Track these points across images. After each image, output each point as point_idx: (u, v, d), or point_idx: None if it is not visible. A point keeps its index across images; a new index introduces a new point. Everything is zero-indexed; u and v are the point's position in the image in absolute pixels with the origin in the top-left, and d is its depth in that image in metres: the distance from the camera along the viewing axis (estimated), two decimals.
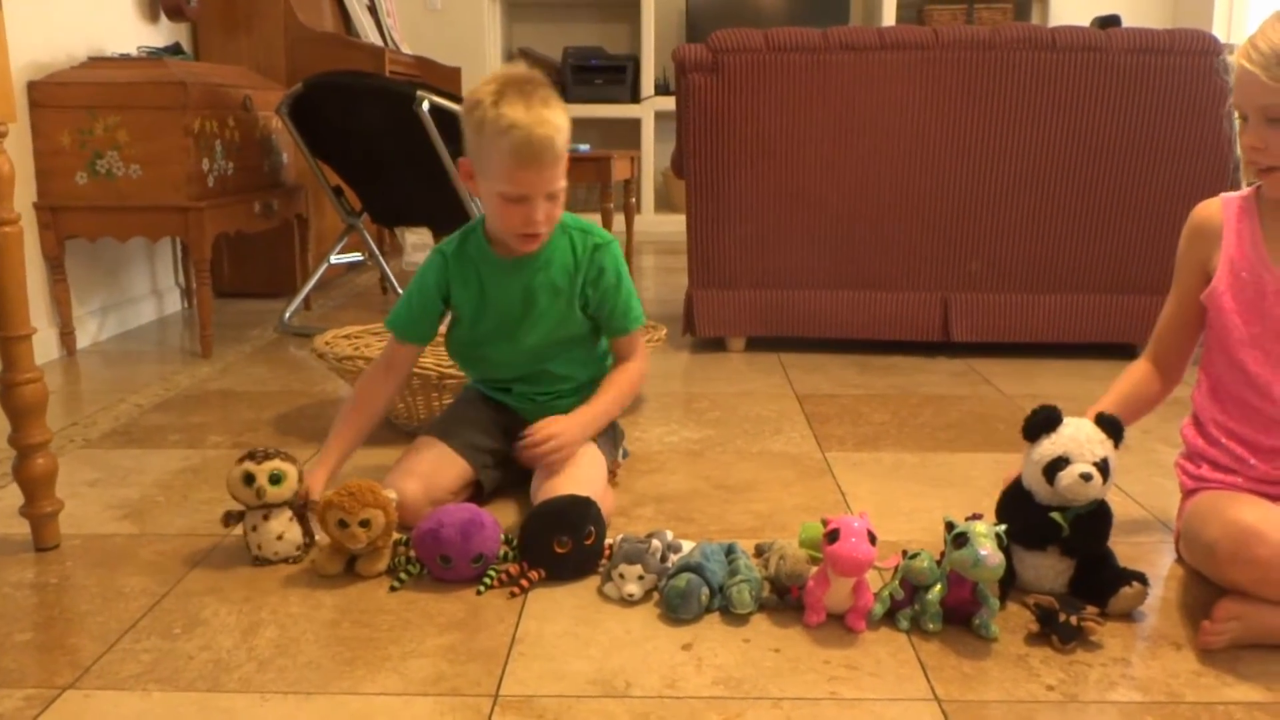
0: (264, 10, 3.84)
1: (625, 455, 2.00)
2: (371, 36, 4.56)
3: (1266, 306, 1.46)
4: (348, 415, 1.77)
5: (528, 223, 1.67)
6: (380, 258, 3.69)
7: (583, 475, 1.72)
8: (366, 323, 2.52)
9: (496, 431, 1.84)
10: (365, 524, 1.50)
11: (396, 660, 1.31)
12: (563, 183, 1.68)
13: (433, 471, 1.75)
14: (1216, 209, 1.53)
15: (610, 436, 1.89)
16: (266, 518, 1.57)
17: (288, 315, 3.29)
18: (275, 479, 1.55)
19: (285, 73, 3.79)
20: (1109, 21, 4.14)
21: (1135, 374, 1.65)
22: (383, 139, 3.19)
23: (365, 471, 1.86)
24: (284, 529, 1.57)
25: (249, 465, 1.55)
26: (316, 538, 1.60)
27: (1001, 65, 2.78)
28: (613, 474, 1.89)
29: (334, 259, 3.49)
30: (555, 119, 1.63)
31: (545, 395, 1.87)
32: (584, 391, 1.85)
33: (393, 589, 1.50)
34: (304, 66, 3.66)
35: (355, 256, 3.73)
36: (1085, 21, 4.02)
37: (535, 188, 1.65)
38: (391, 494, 1.55)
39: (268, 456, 1.57)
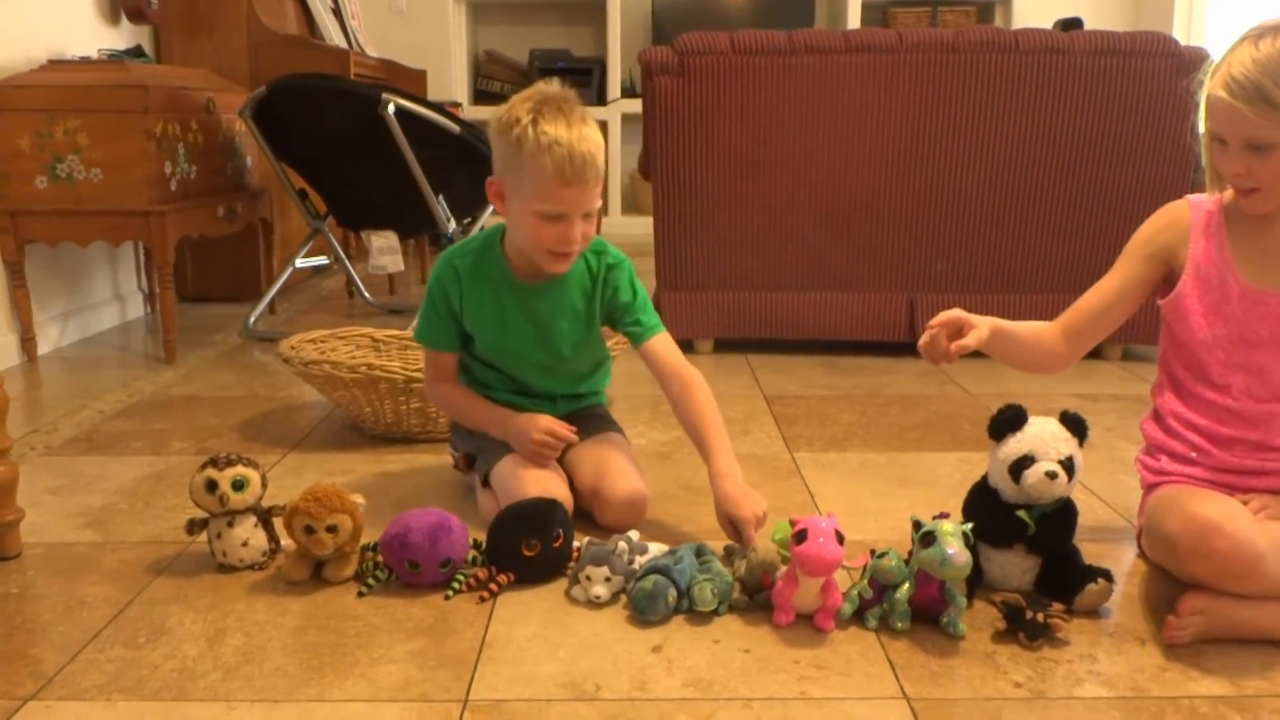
0: (226, 12, 3.81)
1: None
2: (336, 39, 4.53)
3: (1231, 310, 1.48)
4: (468, 395, 1.83)
5: (564, 241, 1.65)
6: (346, 261, 3.67)
7: (632, 465, 1.78)
8: (332, 326, 2.50)
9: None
10: (332, 529, 1.49)
11: (365, 666, 1.30)
12: (599, 202, 1.68)
13: (550, 485, 1.70)
14: (1186, 210, 1.54)
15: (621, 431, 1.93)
16: (231, 524, 1.55)
17: (252, 320, 3.27)
18: (238, 485, 1.54)
19: (248, 75, 3.76)
20: (1071, 24, 4.19)
21: (1042, 328, 1.64)
22: (348, 142, 3.17)
23: (333, 479, 1.85)
24: (249, 535, 1.56)
25: (212, 472, 1.54)
26: (283, 544, 1.59)
27: (965, 67, 2.80)
28: None
29: (299, 263, 3.46)
30: (595, 136, 1.63)
31: (565, 396, 1.87)
32: (594, 375, 1.91)
33: (360, 595, 1.49)
34: (267, 69, 3.63)
35: (321, 260, 3.70)
36: (1048, 24, 4.06)
37: (575, 206, 1.63)
38: (359, 499, 1.54)
39: (230, 463, 1.55)
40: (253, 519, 1.57)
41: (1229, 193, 1.50)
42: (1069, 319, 1.63)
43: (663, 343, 1.80)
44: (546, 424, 1.73)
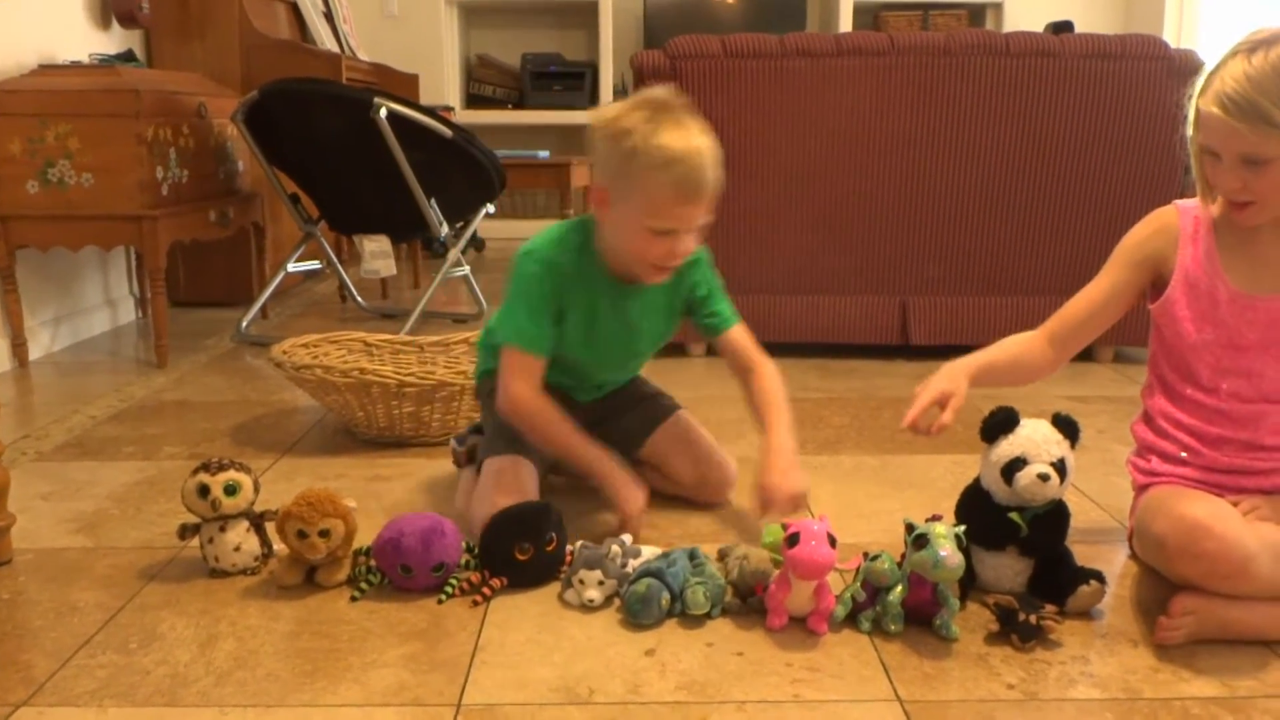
0: (218, 17, 3.80)
1: None
2: (328, 43, 4.53)
3: (1220, 316, 1.48)
4: (561, 418, 1.68)
5: (671, 257, 1.62)
6: (339, 266, 3.67)
7: (712, 442, 1.81)
8: (325, 331, 2.49)
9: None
10: (325, 534, 1.49)
11: (358, 671, 1.30)
12: (710, 216, 1.63)
13: (518, 484, 1.70)
14: (1175, 216, 1.54)
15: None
16: (223, 529, 1.55)
17: (244, 324, 3.26)
18: (230, 490, 1.53)
19: (240, 79, 3.76)
20: (1062, 27, 4.20)
21: (1021, 342, 1.66)
22: (340, 146, 3.17)
23: (326, 484, 1.85)
24: (241, 540, 1.56)
25: (203, 477, 1.53)
26: (275, 548, 1.59)
27: (957, 71, 2.81)
28: None
29: (291, 267, 3.46)
30: (712, 149, 1.58)
31: (609, 384, 1.87)
32: (622, 385, 1.90)
33: (353, 599, 1.49)
34: (259, 73, 3.63)
35: (313, 265, 3.69)
36: (1039, 27, 4.07)
37: (689, 223, 1.60)
38: (351, 503, 1.54)
39: (222, 468, 1.55)
40: (245, 524, 1.57)
41: (1218, 205, 1.50)
42: (1055, 326, 1.63)
43: (740, 333, 1.80)
44: (642, 506, 1.67)
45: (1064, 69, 2.81)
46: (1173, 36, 5.38)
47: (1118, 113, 2.83)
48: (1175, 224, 1.54)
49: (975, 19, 5.94)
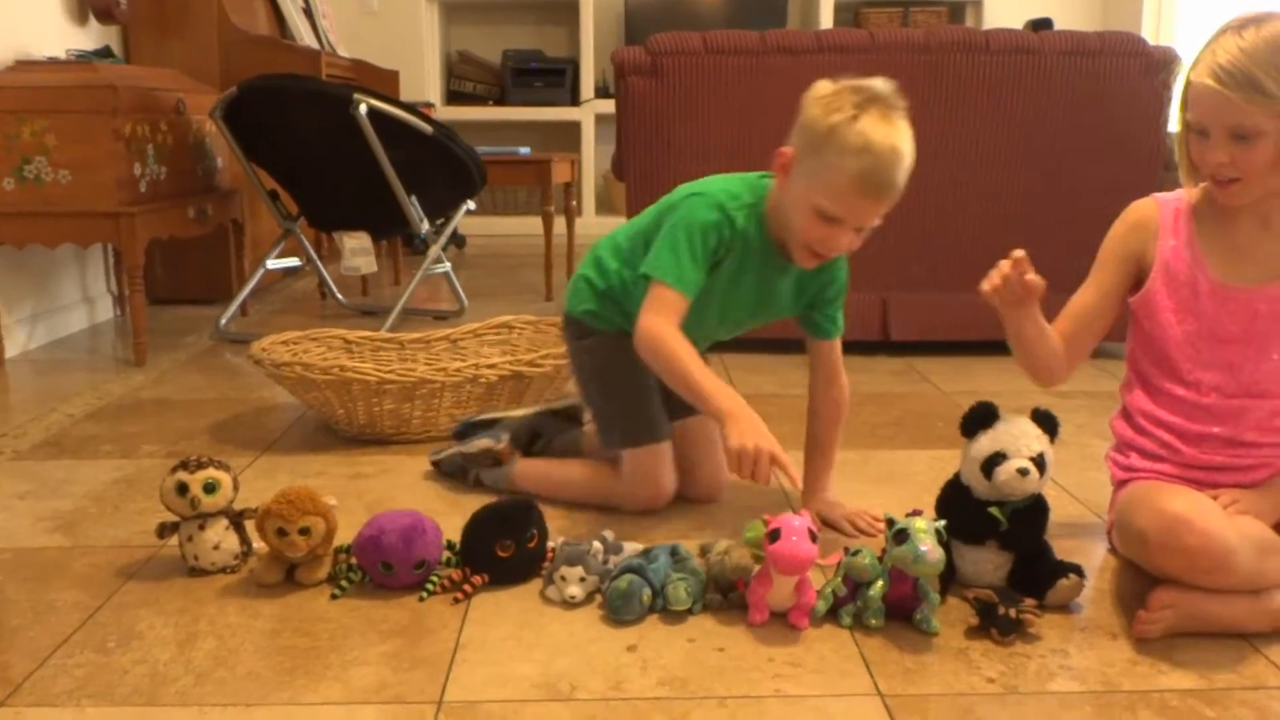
0: (196, 12, 3.78)
1: None
2: (307, 39, 4.51)
3: (1200, 306, 1.49)
4: (693, 353, 1.60)
5: (828, 245, 1.59)
6: (318, 262, 3.65)
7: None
8: (305, 328, 2.48)
9: (658, 394, 1.78)
10: (305, 532, 1.48)
11: (338, 669, 1.29)
12: (879, 220, 1.59)
13: (669, 468, 1.78)
14: (1154, 209, 1.55)
15: None
16: (202, 527, 1.54)
17: (224, 321, 3.24)
18: (210, 488, 1.52)
19: (219, 76, 3.73)
20: (1041, 24, 4.22)
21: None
22: (319, 143, 3.16)
23: (306, 482, 1.84)
24: (220, 538, 1.55)
25: (182, 475, 1.53)
26: (255, 546, 1.58)
27: (937, 68, 2.81)
28: None
29: (270, 264, 3.44)
30: (908, 152, 1.54)
31: (701, 349, 1.77)
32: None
33: (334, 597, 1.48)
34: (238, 69, 3.61)
35: (293, 261, 3.68)
36: (1018, 24, 4.09)
37: (858, 217, 1.56)
38: (332, 501, 1.54)
39: (201, 466, 1.54)
40: (224, 522, 1.56)
41: (1197, 191, 1.51)
42: (1060, 330, 1.62)
43: (839, 347, 1.81)
44: (772, 447, 1.50)
45: (1043, 66, 2.82)
46: (1151, 33, 5.41)
47: (1097, 109, 2.85)
48: (1154, 217, 1.55)
49: (955, 16, 5.96)
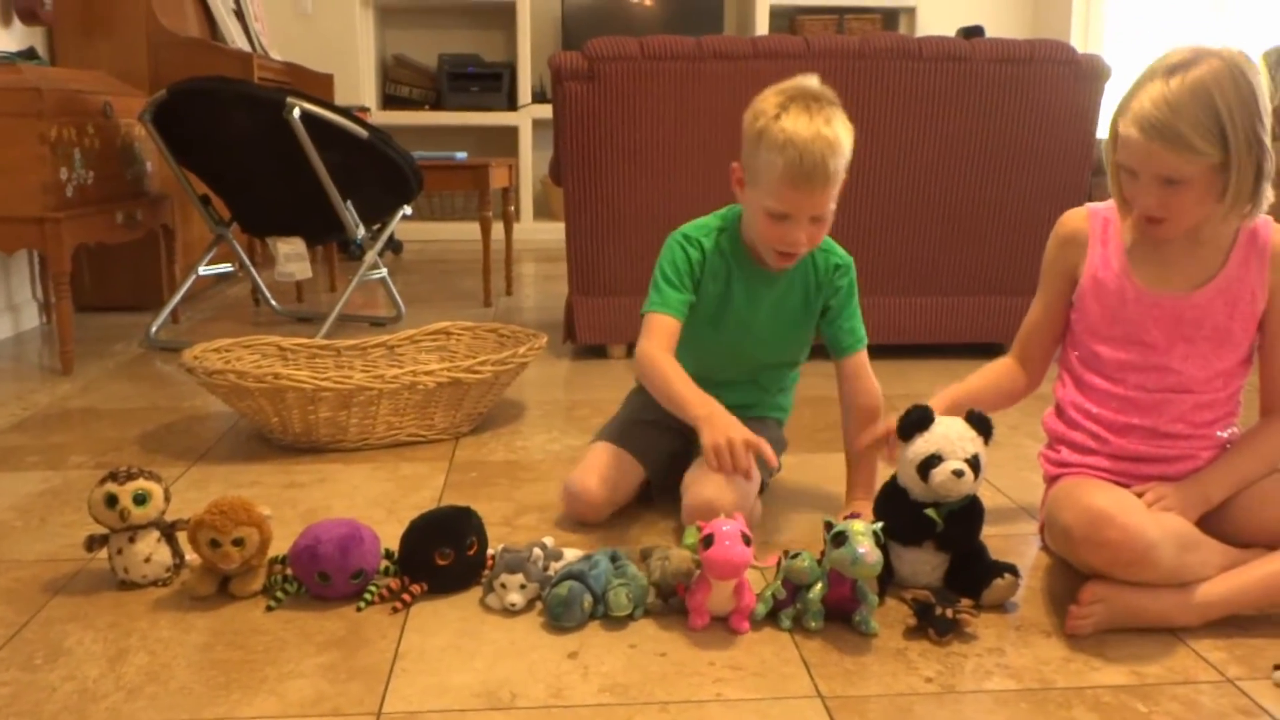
0: (124, 13, 3.71)
1: (772, 474, 1.93)
2: (239, 41, 4.44)
3: (1127, 313, 1.53)
4: (680, 370, 1.65)
5: (786, 242, 1.65)
6: (251, 269, 3.60)
7: (729, 480, 1.70)
8: (238, 335, 2.44)
9: (671, 433, 1.81)
10: (239, 543, 1.46)
11: (274, 682, 1.27)
12: (831, 206, 1.64)
13: (617, 476, 1.77)
14: (1084, 219, 1.60)
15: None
16: (132, 540, 1.51)
17: (154, 329, 3.18)
18: (140, 499, 1.49)
19: (148, 78, 3.67)
20: (973, 32, 4.29)
21: (997, 368, 1.71)
22: (252, 147, 3.11)
23: (240, 492, 1.81)
24: (151, 550, 1.52)
25: (111, 486, 1.49)
26: (187, 558, 1.55)
27: (871, 74, 2.84)
28: (763, 487, 1.84)
29: (202, 270, 3.38)
30: (835, 138, 1.58)
31: (727, 395, 1.76)
32: (751, 410, 1.83)
33: (269, 609, 1.46)
34: (167, 72, 3.55)
35: (225, 268, 3.62)
36: (951, 32, 4.14)
37: (800, 209, 1.61)
38: (266, 511, 1.51)
39: (131, 476, 1.51)
40: (155, 534, 1.53)
41: (1131, 223, 1.54)
42: (1019, 351, 1.70)
43: (864, 360, 1.81)
44: (745, 436, 1.55)
45: (974, 73, 2.87)
46: (1079, 41, 5.52)
47: (1027, 115, 2.90)
48: (1085, 229, 1.59)
49: (889, 23, 6.04)
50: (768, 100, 1.63)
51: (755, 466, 1.60)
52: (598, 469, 1.77)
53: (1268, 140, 1.40)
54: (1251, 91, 1.38)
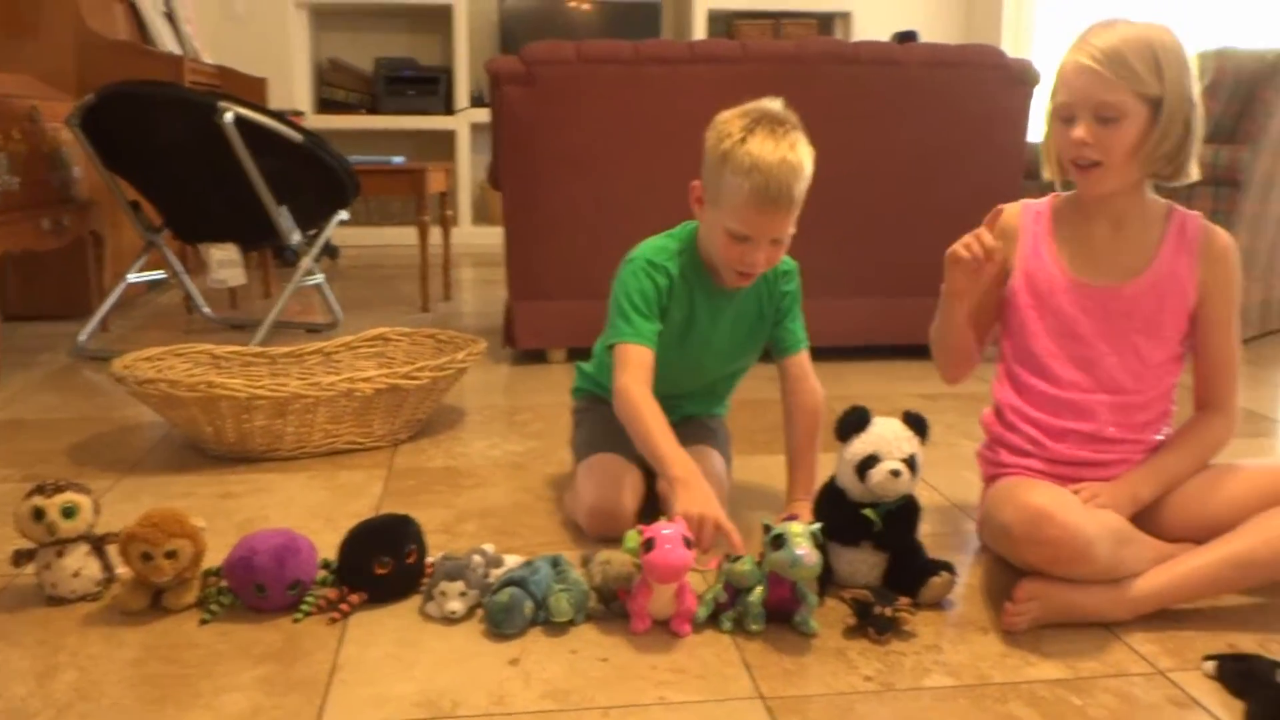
0: (51, 16, 3.63)
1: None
2: (169, 44, 4.37)
3: (1057, 304, 1.56)
4: (659, 416, 1.61)
5: (746, 263, 1.65)
6: (184, 275, 3.54)
7: (717, 477, 1.74)
8: (170, 344, 2.40)
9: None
10: (171, 555, 1.43)
11: (209, 696, 1.25)
12: (791, 229, 1.65)
13: (635, 481, 1.75)
14: (1016, 213, 1.63)
15: (727, 450, 1.91)
16: (60, 554, 1.47)
17: (83, 338, 3.12)
18: (68, 512, 1.46)
19: (75, 82, 3.59)
20: (907, 37, 4.34)
21: None
22: (183, 152, 3.06)
23: (172, 503, 1.77)
24: (80, 565, 1.48)
25: (38, 500, 1.46)
26: (118, 572, 1.52)
27: (807, 78, 2.87)
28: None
29: (133, 277, 3.32)
30: (799, 163, 1.60)
31: (676, 415, 1.78)
32: (700, 416, 1.89)
33: (203, 622, 1.43)
34: (95, 76, 3.47)
35: (157, 275, 3.56)
36: (886, 36, 4.19)
37: (763, 232, 1.62)
38: (200, 522, 1.48)
39: (59, 489, 1.47)
40: (85, 547, 1.49)
41: (1061, 197, 1.58)
42: None
43: (806, 359, 1.83)
44: (717, 517, 1.48)
45: (908, 77, 2.90)
46: (1010, 47, 5.62)
47: (960, 118, 2.94)
48: (1015, 221, 1.62)
49: (825, 28, 6.09)
50: (732, 123, 1.63)
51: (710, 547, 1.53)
52: (618, 481, 1.73)
53: (1198, 101, 1.46)
54: (1185, 56, 1.46)
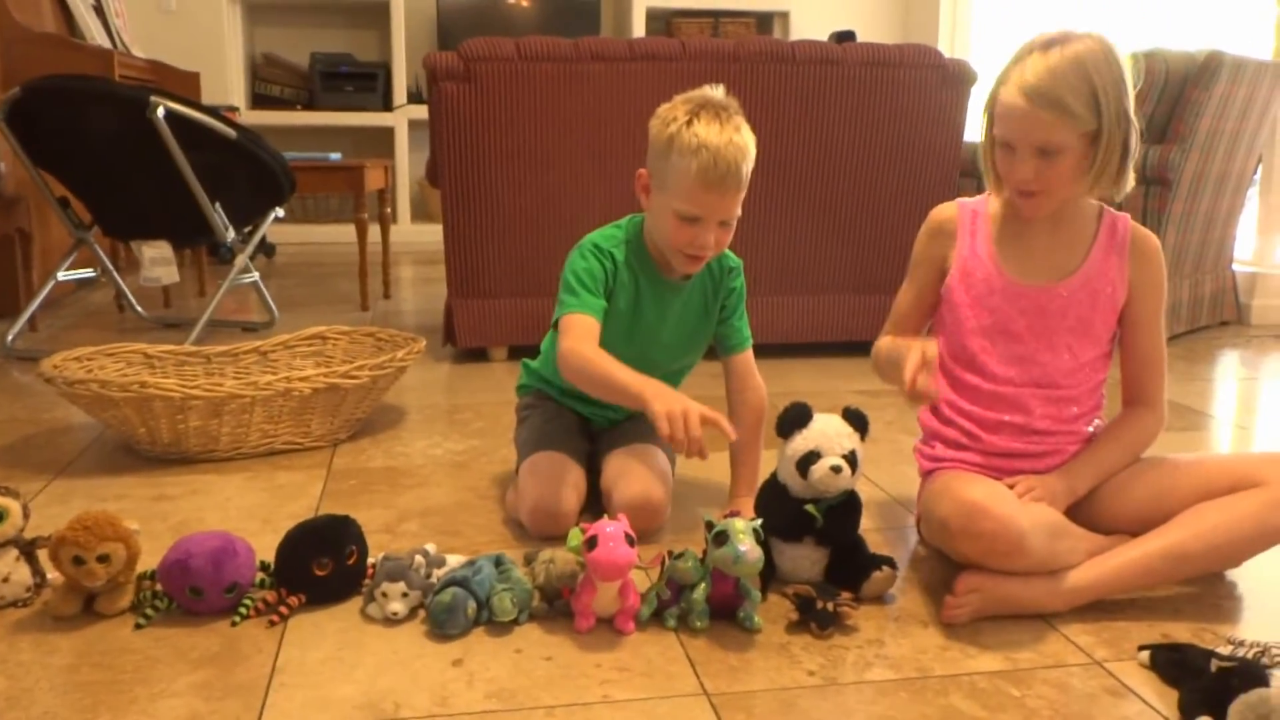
0: None
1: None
2: (98, 38, 4.28)
3: (994, 303, 1.59)
4: (608, 357, 1.62)
5: (696, 245, 1.66)
6: (115, 273, 3.47)
7: (660, 469, 1.75)
8: (101, 343, 2.35)
9: (584, 437, 1.87)
10: (104, 559, 1.40)
11: (144, 702, 1.23)
12: (738, 211, 1.67)
13: (576, 479, 1.74)
14: (954, 212, 1.65)
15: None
16: None
17: (11, 337, 3.04)
18: None
19: (0, 76, 3.50)
20: (845, 37, 4.37)
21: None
22: (114, 147, 3.00)
23: (105, 506, 1.74)
24: (9, 570, 1.45)
25: None
26: (49, 577, 1.48)
27: (746, 76, 2.88)
28: None
29: (62, 275, 3.24)
30: (745, 145, 1.63)
31: (621, 413, 1.88)
32: (675, 382, 1.83)
33: (138, 626, 1.40)
34: (21, 69, 3.39)
35: (87, 272, 3.48)
36: (824, 36, 4.22)
37: (713, 211, 1.63)
38: (133, 525, 1.45)
39: None
40: (14, 552, 1.46)
41: (1003, 201, 1.60)
42: (894, 332, 1.71)
43: (750, 358, 1.85)
44: (700, 408, 1.49)
45: (846, 76, 2.93)
46: (947, 47, 5.69)
47: (897, 118, 2.97)
48: (953, 220, 1.64)
49: (763, 27, 6.13)
50: (676, 109, 1.65)
51: (705, 444, 1.52)
52: (560, 479, 1.72)
53: (1134, 118, 1.48)
54: (1120, 71, 1.47)
